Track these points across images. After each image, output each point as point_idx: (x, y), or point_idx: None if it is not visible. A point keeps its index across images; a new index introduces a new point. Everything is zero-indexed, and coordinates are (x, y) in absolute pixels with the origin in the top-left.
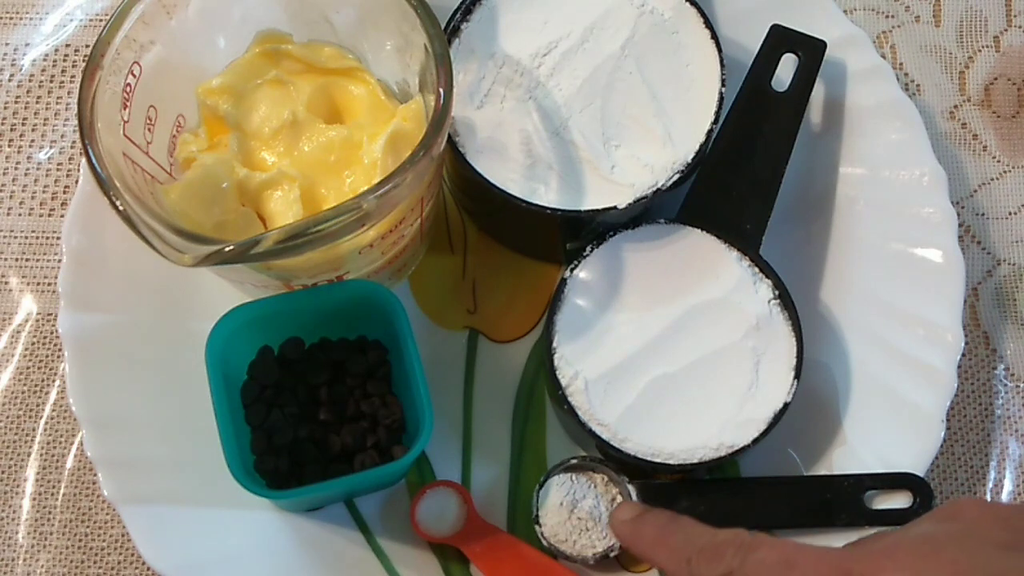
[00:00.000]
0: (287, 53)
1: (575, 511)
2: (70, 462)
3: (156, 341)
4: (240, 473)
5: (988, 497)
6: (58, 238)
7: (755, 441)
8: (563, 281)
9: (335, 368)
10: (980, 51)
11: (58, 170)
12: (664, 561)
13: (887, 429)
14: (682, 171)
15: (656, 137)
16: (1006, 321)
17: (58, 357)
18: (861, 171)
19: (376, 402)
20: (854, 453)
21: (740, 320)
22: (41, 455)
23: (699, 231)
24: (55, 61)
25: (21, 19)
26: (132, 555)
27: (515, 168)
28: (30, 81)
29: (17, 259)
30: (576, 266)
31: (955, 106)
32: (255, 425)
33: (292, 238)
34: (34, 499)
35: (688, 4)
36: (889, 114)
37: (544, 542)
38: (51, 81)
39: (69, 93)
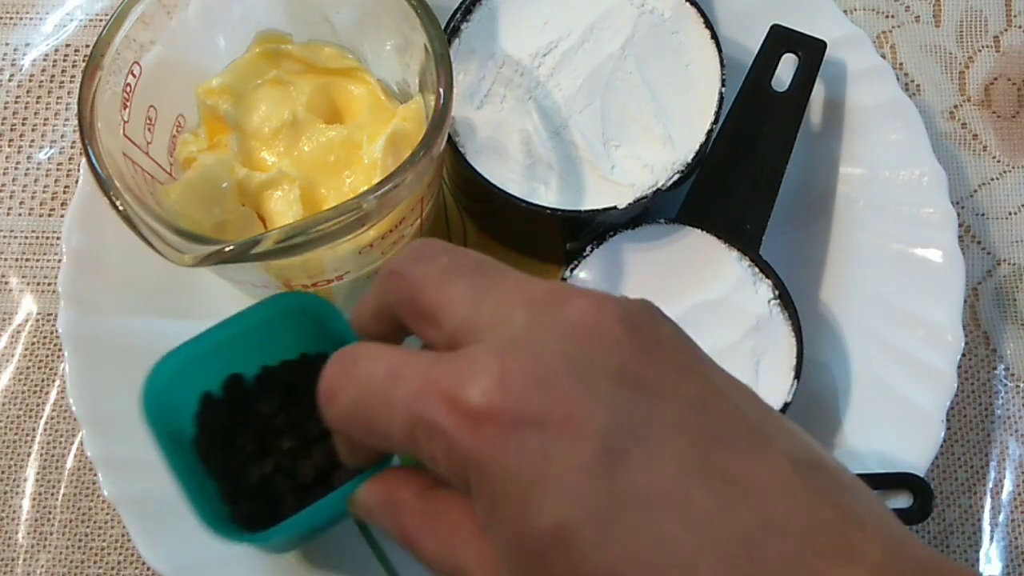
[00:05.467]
0: (287, 53)
1: None
2: (70, 462)
3: (156, 341)
4: (224, 530)
5: (988, 497)
6: (58, 238)
7: None
8: (563, 281)
9: (286, 392)
10: (980, 51)
11: (58, 170)
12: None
13: (887, 429)
14: (682, 171)
15: (656, 137)
16: (1006, 321)
17: (58, 357)
18: (861, 171)
19: None
20: (854, 453)
21: (740, 320)
22: (41, 455)
23: (699, 231)
24: (55, 61)
25: (21, 19)
26: (132, 555)
27: (515, 168)
28: (30, 81)
29: (17, 259)
30: (576, 266)
31: (955, 106)
32: (218, 475)
33: (292, 238)
34: (34, 499)
35: (688, 4)
36: (889, 114)
37: None
38: (51, 81)
39: (69, 93)
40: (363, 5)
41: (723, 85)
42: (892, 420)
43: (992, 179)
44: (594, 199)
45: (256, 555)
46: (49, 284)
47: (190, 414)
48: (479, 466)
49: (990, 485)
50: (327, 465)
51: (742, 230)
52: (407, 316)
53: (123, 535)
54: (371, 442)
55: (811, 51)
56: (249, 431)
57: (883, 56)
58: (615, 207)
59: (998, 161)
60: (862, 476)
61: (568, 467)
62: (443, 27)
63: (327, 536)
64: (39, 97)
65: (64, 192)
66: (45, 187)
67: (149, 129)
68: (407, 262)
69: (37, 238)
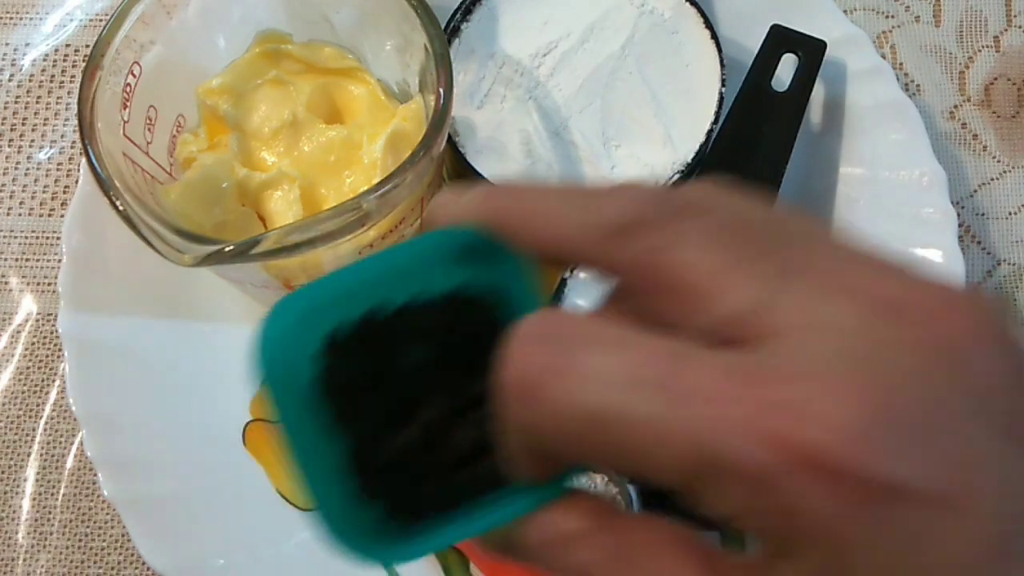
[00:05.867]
0: (287, 53)
1: None
2: (70, 462)
3: (156, 341)
4: (350, 532)
5: None
6: (58, 238)
7: None
8: (563, 281)
9: (436, 342)
10: (980, 51)
11: (58, 170)
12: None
13: None
14: (682, 171)
15: (656, 137)
16: None
17: (58, 357)
18: (861, 171)
19: (491, 377)
20: None
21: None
22: (41, 455)
23: None
24: (55, 61)
25: (21, 19)
26: (132, 555)
27: (515, 168)
28: (30, 81)
29: (17, 259)
30: (576, 266)
31: (955, 106)
32: (353, 436)
33: (292, 238)
34: (34, 499)
35: (688, 4)
36: (889, 114)
37: None
38: (51, 81)
39: (69, 93)
40: (363, 5)
41: (723, 85)
42: None
43: (992, 179)
44: None
45: (256, 555)
46: (49, 284)
47: (314, 363)
48: (834, 539)
49: None
50: (481, 440)
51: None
52: (640, 285)
53: (123, 535)
54: (596, 464)
55: (811, 51)
56: (388, 385)
57: (883, 56)
58: None
59: (998, 161)
60: None
61: (953, 557)
62: (443, 27)
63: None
64: (39, 97)
65: (64, 192)
66: (45, 187)
67: (149, 129)
68: (651, 211)
69: (37, 238)
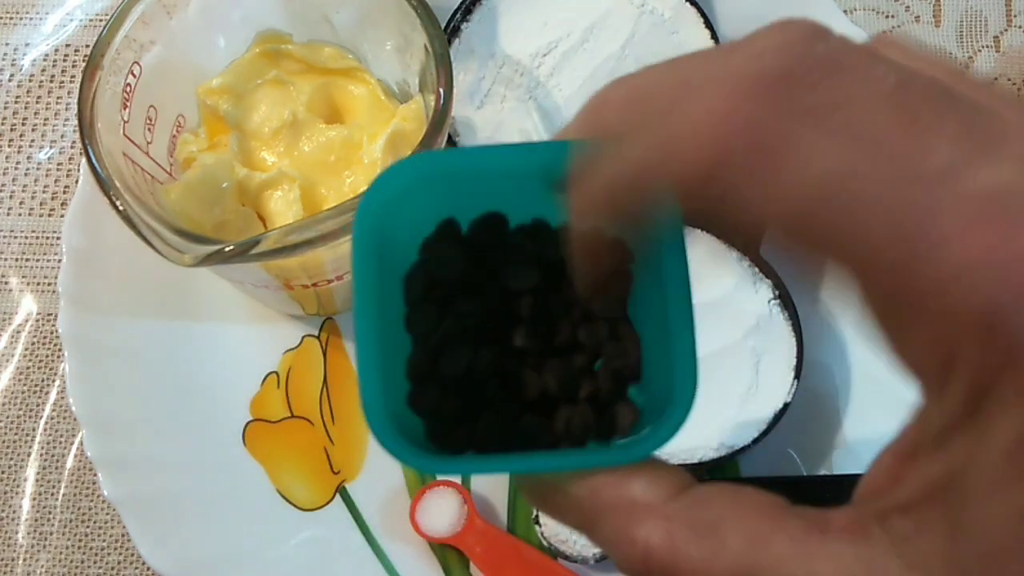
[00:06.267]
0: (287, 53)
1: None
2: (70, 462)
3: (156, 341)
4: (380, 420)
5: None
6: (58, 238)
7: (755, 441)
8: None
9: (549, 269)
10: (980, 51)
11: (58, 170)
12: None
13: (887, 429)
14: None
15: None
16: None
17: (58, 357)
18: None
19: (603, 330)
20: (854, 453)
21: (740, 320)
22: (41, 455)
23: (699, 231)
24: (55, 61)
25: (21, 19)
26: (132, 555)
27: None
28: (30, 81)
29: (17, 259)
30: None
31: None
32: (417, 337)
33: (292, 238)
34: (34, 499)
35: (688, 4)
36: None
37: (544, 542)
38: (51, 81)
39: (69, 93)
40: (363, 5)
41: None
42: (892, 420)
43: None
44: None
45: (256, 555)
46: (49, 284)
47: (418, 241)
48: None
49: None
50: (558, 391)
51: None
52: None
53: (123, 535)
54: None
55: None
56: (478, 299)
57: None
58: None
59: None
60: (862, 476)
61: None
62: (443, 27)
63: (327, 536)
64: (39, 97)
65: (64, 192)
66: (45, 187)
67: (149, 129)
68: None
69: (37, 238)
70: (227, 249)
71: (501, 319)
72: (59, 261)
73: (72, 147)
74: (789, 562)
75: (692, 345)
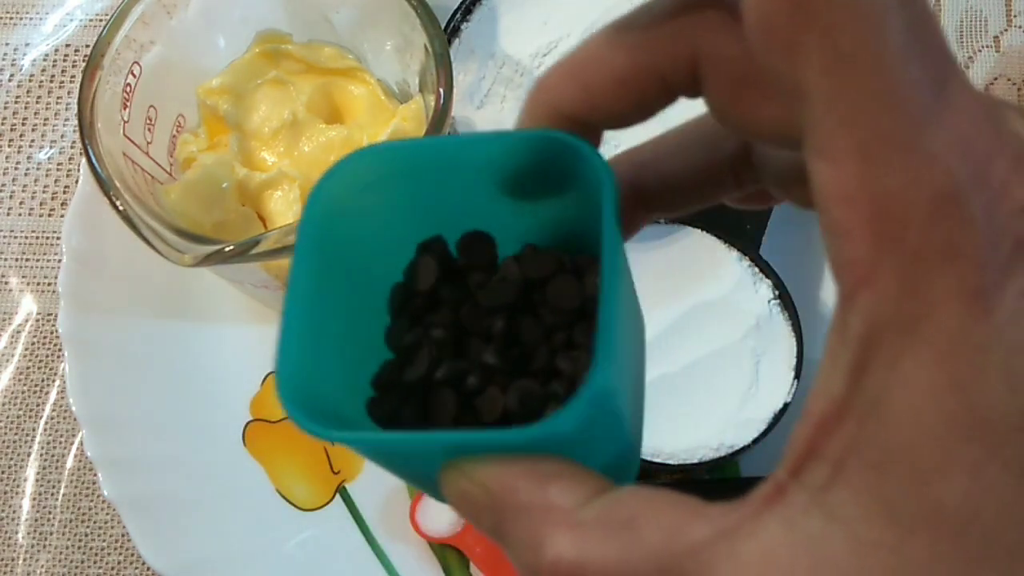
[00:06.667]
0: (287, 53)
1: None
2: (70, 462)
3: (156, 341)
4: (292, 397)
5: None
6: (58, 238)
7: (755, 441)
8: None
9: (529, 291)
10: (980, 51)
11: (58, 170)
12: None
13: None
14: None
15: (655, 135)
16: None
17: (58, 357)
18: None
19: (583, 358)
20: None
21: (740, 320)
22: (41, 455)
23: (699, 231)
24: (55, 61)
25: (21, 19)
26: (132, 555)
27: None
28: (30, 81)
29: (17, 259)
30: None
31: None
32: (392, 348)
33: (292, 238)
34: (34, 499)
35: None
36: None
37: None
38: (51, 81)
39: (69, 93)
40: (363, 5)
41: None
42: None
43: None
44: None
45: (256, 555)
46: (49, 284)
47: (380, 246)
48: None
49: None
50: (520, 413)
51: (742, 230)
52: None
53: (123, 535)
54: None
55: None
56: (449, 312)
57: None
58: None
59: None
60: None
61: None
62: (443, 27)
63: (327, 536)
64: (39, 97)
65: (64, 192)
66: (45, 187)
67: (149, 129)
68: None
69: (37, 238)
70: (227, 249)
71: (467, 333)
72: (59, 261)
73: (72, 147)
74: (709, 546)
75: (610, 331)
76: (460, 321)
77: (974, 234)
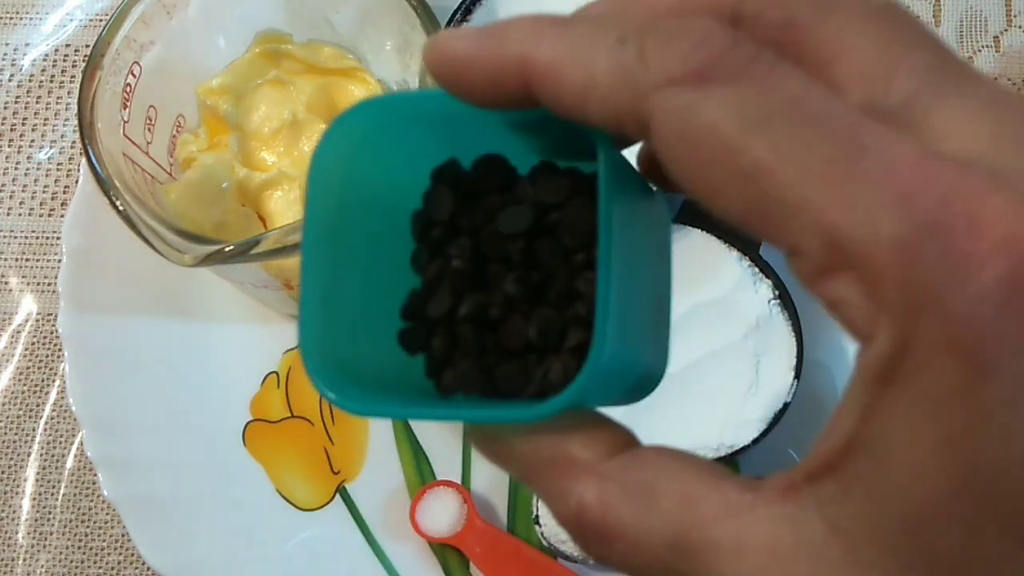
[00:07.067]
0: (287, 53)
1: None
2: (70, 462)
3: (156, 341)
4: (317, 358)
5: None
6: (58, 238)
7: (755, 441)
8: None
9: (544, 215)
10: (980, 51)
11: (58, 170)
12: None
13: None
14: None
15: None
16: None
17: (58, 357)
18: None
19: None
20: None
21: (740, 320)
22: (41, 455)
23: (699, 231)
24: (55, 61)
25: (21, 19)
26: (132, 555)
27: None
28: (30, 81)
29: (17, 259)
30: None
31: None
32: (419, 273)
33: (292, 238)
34: (34, 499)
35: None
36: None
37: (544, 542)
38: (51, 81)
39: (69, 93)
40: (363, 5)
41: None
42: None
43: None
44: None
45: (256, 555)
46: (49, 284)
47: (406, 178)
48: (985, 351)
49: None
50: (542, 342)
51: (742, 230)
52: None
53: (123, 535)
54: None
55: None
56: (469, 241)
57: None
58: None
59: None
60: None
61: None
62: (443, 27)
63: (327, 536)
64: (39, 97)
65: (64, 192)
66: (45, 187)
67: (149, 129)
68: None
69: (37, 238)
70: (227, 249)
71: (489, 262)
72: (59, 261)
73: (72, 147)
74: (717, 524)
75: (607, 294)
76: (480, 247)
77: (947, 280)
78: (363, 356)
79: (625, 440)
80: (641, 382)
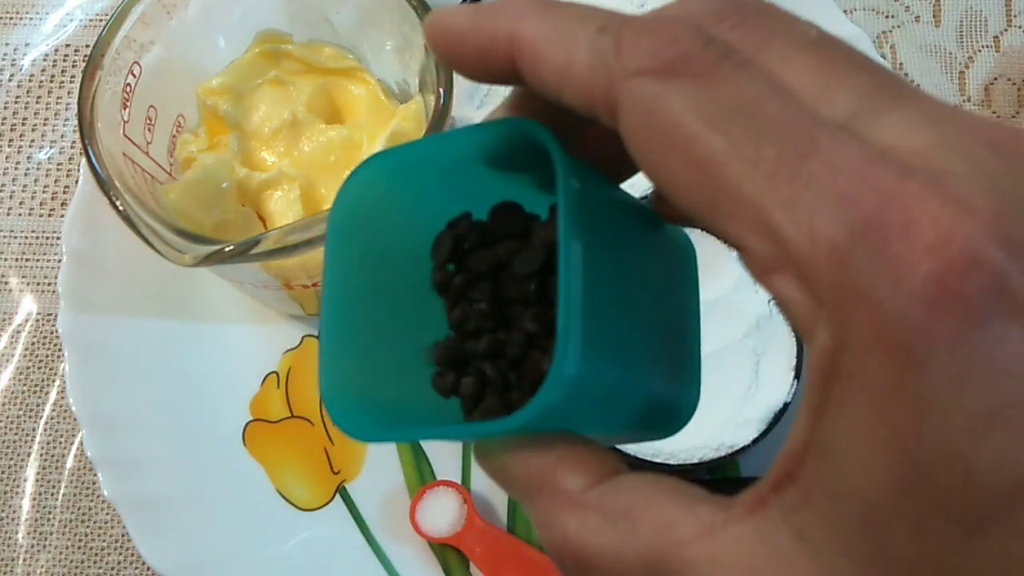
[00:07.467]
0: (287, 53)
1: None
2: (70, 462)
3: (156, 341)
4: (336, 397)
5: None
6: (58, 238)
7: (755, 441)
8: None
9: (548, 253)
10: (980, 51)
11: (58, 170)
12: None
13: None
14: None
15: None
16: None
17: (58, 357)
18: None
19: None
20: None
21: (740, 320)
22: (41, 455)
23: (699, 231)
24: (55, 61)
25: (21, 19)
26: (132, 555)
27: None
28: (30, 81)
29: (17, 259)
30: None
31: (955, 106)
32: (451, 326)
33: (292, 238)
34: (34, 499)
35: None
36: None
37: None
38: (51, 81)
39: (69, 93)
40: (363, 5)
41: None
42: None
43: None
44: None
45: (256, 555)
46: (49, 284)
47: (420, 231)
48: (917, 348)
49: None
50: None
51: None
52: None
53: (123, 535)
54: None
55: None
56: (488, 284)
57: (883, 56)
58: None
59: None
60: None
61: None
62: None
63: (327, 536)
64: (39, 97)
65: (64, 192)
66: (45, 187)
67: (149, 129)
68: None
69: (37, 238)
70: (227, 249)
71: (513, 303)
72: (59, 261)
73: (72, 147)
74: (693, 545)
75: (567, 311)
76: (499, 290)
77: (881, 280)
78: (370, 386)
79: (611, 468)
80: (653, 411)
